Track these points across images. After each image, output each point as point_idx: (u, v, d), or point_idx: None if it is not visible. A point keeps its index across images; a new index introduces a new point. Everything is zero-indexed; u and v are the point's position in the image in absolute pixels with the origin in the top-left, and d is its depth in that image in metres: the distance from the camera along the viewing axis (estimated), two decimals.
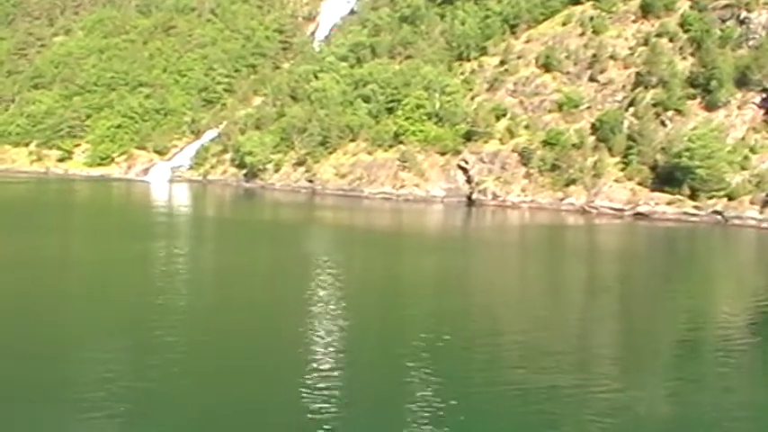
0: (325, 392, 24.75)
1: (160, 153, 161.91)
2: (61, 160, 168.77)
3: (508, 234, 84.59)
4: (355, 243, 70.76)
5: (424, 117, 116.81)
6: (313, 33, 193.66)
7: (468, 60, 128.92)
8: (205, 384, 26.20)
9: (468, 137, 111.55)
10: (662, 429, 23.16)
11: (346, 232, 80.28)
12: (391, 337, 33.07)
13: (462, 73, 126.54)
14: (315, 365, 28.06)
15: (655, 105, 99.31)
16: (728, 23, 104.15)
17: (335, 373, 27.25)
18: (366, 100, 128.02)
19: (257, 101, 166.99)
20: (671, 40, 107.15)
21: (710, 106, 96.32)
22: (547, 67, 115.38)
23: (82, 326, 34.24)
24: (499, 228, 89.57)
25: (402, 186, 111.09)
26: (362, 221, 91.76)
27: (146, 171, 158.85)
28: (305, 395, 24.40)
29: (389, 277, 50.50)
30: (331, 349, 30.57)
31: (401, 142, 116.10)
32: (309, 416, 22.82)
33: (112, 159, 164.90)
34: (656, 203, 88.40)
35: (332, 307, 38.80)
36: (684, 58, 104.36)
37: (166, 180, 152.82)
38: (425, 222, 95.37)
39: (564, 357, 30.35)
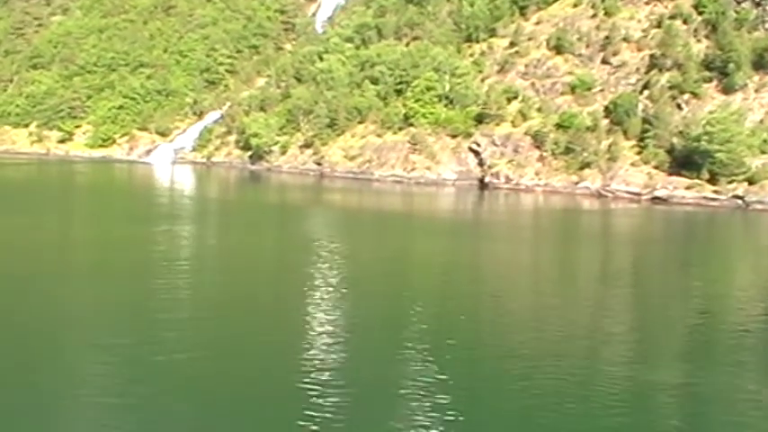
0: (329, 384, 24.12)
1: (162, 134, 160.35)
2: (62, 141, 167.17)
3: (524, 217, 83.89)
4: (368, 226, 69.99)
5: (435, 99, 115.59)
6: (315, 14, 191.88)
7: (477, 42, 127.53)
8: (203, 369, 25.62)
9: (480, 119, 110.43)
10: (675, 418, 22.66)
11: (359, 215, 79.48)
12: (399, 325, 31.85)
13: (471, 55, 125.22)
14: (317, 355, 27.33)
15: (670, 88, 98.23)
16: (744, 5, 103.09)
17: (340, 366, 26.38)
18: (374, 81, 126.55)
19: (260, 82, 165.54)
20: (685, 22, 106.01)
21: (727, 89, 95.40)
22: (558, 49, 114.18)
23: (81, 308, 33.45)
24: (514, 211, 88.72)
25: (413, 169, 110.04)
26: (374, 204, 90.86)
27: (148, 152, 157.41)
28: (306, 382, 23.97)
29: (402, 262, 49.28)
30: (338, 339, 29.59)
31: (411, 125, 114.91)
32: (311, 402, 22.38)
33: (114, 141, 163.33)
34: (675, 188, 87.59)
35: (342, 294, 37.71)
36: (699, 41, 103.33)
37: (169, 162, 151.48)
38: (439, 205, 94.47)
39: (576, 347, 29.39)
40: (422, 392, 23.29)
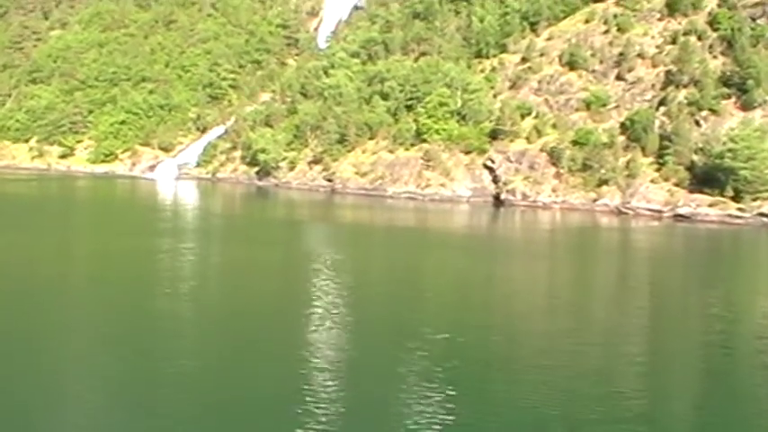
0: (333, 398, 24.64)
1: (165, 150, 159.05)
2: (63, 156, 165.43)
3: (544, 235, 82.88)
4: (387, 243, 69.22)
5: (447, 115, 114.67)
6: (317, 29, 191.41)
7: (488, 58, 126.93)
8: (204, 377, 26.52)
9: (494, 135, 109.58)
10: None
11: (375, 232, 78.63)
12: (413, 346, 31.23)
13: (482, 70, 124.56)
14: (324, 371, 27.64)
15: (688, 105, 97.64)
16: (759, 22, 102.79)
17: (346, 382, 26.74)
18: (384, 97, 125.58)
19: (264, 97, 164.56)
20: (699, 39, 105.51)
21: (746, 106, 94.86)
22: (571, 65, 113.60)
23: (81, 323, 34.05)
24: (535, 228, 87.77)
25: (427, 186, 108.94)
26: (390, 221, 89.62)
27: (151, 168, 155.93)
28: (309, 394, 24.61)
29: (419, 282, 48.45)
30: (346, 362, 29.38)
31: (424, 141, 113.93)
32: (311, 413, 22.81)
33: (116, 156, 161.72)
34: (698, 205, 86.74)
35: (353, 311, 37.35)
36: (715, 57, 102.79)
37: (173, 177, 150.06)
38: (457, 223, 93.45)
39: (591, 369, 29.04)
40: (427, 408, 23.57)
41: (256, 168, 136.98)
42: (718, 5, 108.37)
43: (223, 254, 58.13)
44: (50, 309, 36.49)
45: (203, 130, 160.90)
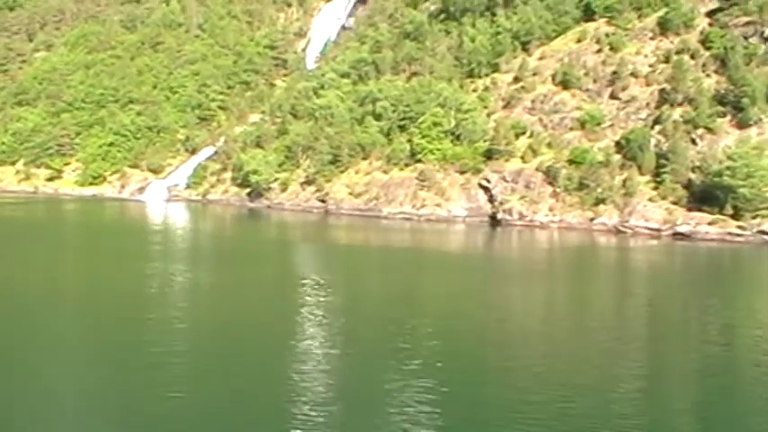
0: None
1: (154, 172, 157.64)
2: (50, 179, 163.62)
3: (545, 255, 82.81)
4: (383, 266, 68.63)
5: (441, 135, 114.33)
6: (304, 49, 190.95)
7: (480, 77, 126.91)
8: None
9: (489, 155, 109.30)
10: None
11: (374, 254, 78.49)
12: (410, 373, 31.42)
13: (475, 90, 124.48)
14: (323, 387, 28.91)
15: (684, 123, 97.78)
16: (752, 40, 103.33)
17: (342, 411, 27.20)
18: (377, 117, 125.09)
19: (253, 118, 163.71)
20: (692, 57, 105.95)
21: (742, 124, 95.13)
22: (565, 84, 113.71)
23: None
24: (534, 248, 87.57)
25: (423, 206, 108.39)
26: (386, 242, 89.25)
27: (141, 190, 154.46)
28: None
29: (422, 308, 48.06)
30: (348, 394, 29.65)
31: (418, 161, 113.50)
32: None
33: (104, 178, 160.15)
34: (697, 223, 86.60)
35: (354, 346, 36.84)
36: (708, 76, 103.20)
37: (163, 199, 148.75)
38: (456, 243, 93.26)
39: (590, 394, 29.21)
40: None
41: (248, 190, 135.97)
42: (710, 24, 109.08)
43: (219, 278, 57.25)
44: (38, 334, 36.59)
45: (192, 152, 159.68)
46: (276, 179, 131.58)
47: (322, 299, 47.72)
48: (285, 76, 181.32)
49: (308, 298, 47.93)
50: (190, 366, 31.50)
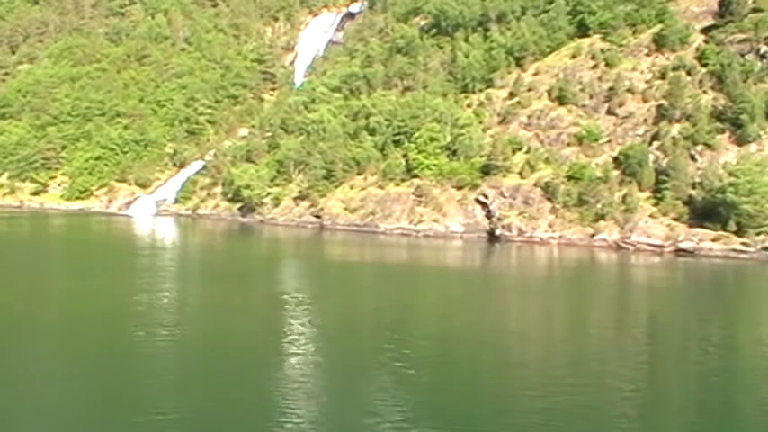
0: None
1: (142, 186, 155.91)
2: (36, 193, 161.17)
3: (548, 272, 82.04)
4: (384, 284, 67.59)
5: (437, 150, 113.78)
6: (292, 63, 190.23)
7: (474, 93, 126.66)
8: None
9: (486, 171, 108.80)
10: None
11: (373, 271, 77.10)
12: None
13: (469, 105, 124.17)
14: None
15: (684, 139, 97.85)
16: (748, 57, 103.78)
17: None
18: (371, 132, 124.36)
19: (242, 132, 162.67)
20: (689, 74, 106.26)
21: (741, 140, 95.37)
22: (561, 100, 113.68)
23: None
24: (536, 265, 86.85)
25: (420, 221, 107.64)
26: (385, 258, 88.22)
27: (128, 205, 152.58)
28: None
29: (424, 328, 47.28)
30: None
31: (414, 176, 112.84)
32: None
33: (91, 192, 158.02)
34: (700, 240, 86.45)
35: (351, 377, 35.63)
36: (705, 92, 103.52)
37: (151, 214, 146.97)
38: (457, 260, 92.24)
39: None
40: None
41: (239, 204, 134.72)
42: (705, 41, 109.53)
43: (215, 297, 55.71)
44: (16, 353, 36.42)
45: (181, 166, 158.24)
46: (268, 194, 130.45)
47: (322, 319, 46.91)
48: (273, 90, 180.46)
49: (309, 319, 47.12)
50: (175, 396, 30.88)
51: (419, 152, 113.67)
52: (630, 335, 46.27)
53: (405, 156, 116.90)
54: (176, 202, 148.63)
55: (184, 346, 39.44)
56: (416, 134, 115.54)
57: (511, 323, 49.53)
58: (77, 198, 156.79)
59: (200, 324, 45.27)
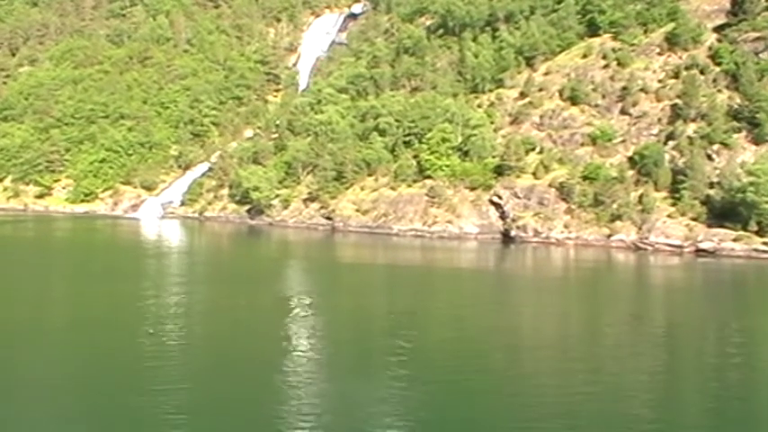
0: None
1: (148, 188, 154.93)
2: (40, 196, 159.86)
3: (572, 274, 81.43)
4: (412, 289, 66.21)
5: (450, 151, 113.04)
6: (295, 64, 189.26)
7: (484, 92, 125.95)
8: None
9: (499, 171, 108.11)
10: None
11: (396, 275, 76.05)
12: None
13: (479, 105, 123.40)
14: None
15: (701, 139, 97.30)
16: (762, 56, 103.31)
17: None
18: (381, 133, 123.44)
19: (248, 133, 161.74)
20: (702, 73, 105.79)
21: (758, 139, 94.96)
22: (573, 100, 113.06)
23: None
24: (557, 267, 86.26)
25: (434, 223, 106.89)
26: (404, 261, 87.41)
27: (134, 207, 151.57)
28: None
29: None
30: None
31: (427, 177, 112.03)
32: None
33: (96, 195, 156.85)
34: (721, 240, 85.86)
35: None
36: (720, 91, 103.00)
37: (157, 217, 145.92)
38: (477, 262, 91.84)
39: None
40: None
41: (247, 207, 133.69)
42: (718, 40, 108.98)
43: (236, 299, 55.03)
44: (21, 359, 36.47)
45: (186, 168, 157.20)
46: (277, 196, 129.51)
47: (340, 324, 46.34)
48: (277, 91, 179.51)
49: (325, 323, 46.64)
50: (183, 409, 30.25)
51: (431, 153, 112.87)
52: (659, 342, 45.53)
53: (416, 156, 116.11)
54: (183, 204, 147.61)
55: (192, 349, 39.50)
56: (429, 135, 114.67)
57: (545, 331, 48.60)
58: (82, 201, 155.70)
59: (214, 327, 45.56)
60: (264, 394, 31.66)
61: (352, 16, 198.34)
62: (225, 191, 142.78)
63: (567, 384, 33.56)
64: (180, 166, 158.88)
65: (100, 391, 31.23)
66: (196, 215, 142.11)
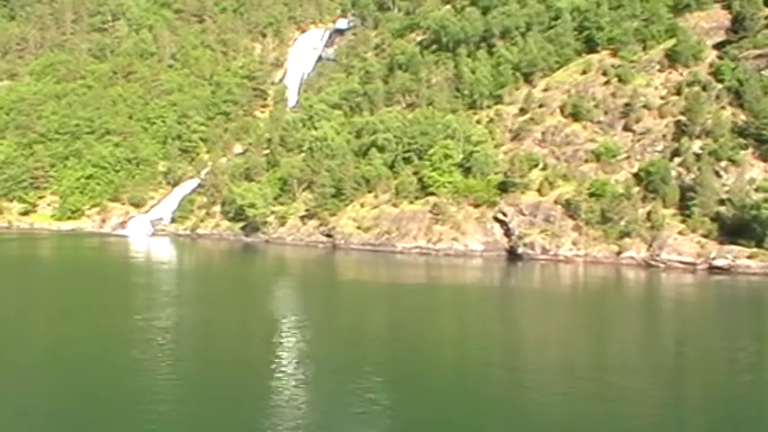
0: None
1: (136, 205, 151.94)
2: (25, 213, 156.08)
3: (584, 293, 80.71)
4: (430, 308, 65.85)
5: (452, 168, 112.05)
6: (282, 80, 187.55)
7: (482, 109, 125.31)
8: None
9: (503, 188, 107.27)
10: None
11: (415, 295, 74.93)
12: None
13: (479, 122, 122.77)
14: None
15: (708, 155, 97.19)
16: (764, 72, 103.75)
17: None
18: (380, 149, 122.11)
19: (237, 149, 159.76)
20: (704, 89, 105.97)
21: (765, 156, 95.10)
22: (575, 116, 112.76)
23: None
24: (568, 285, 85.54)
25: (439, 240, 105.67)
26: (417, 280, 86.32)
27: (123, 224, 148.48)
28: None
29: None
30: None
31: (429, 193, 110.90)
32: None
33: (83, 212, 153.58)
34: (735, 257, 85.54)
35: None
36: (723, 108, 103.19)
37: (147, 234, 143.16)
38: (488, 280, 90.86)
39: None
40: None
41: (241, 223, 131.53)
42: (719, 57, 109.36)
43: (242, 320, 53.82)
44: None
45: (175, 184, 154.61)
46: (273, 213, 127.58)
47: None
48: (264, 107, 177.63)
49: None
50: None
51: (434, 169, 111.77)
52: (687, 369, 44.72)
53: (416, 173, 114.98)
54: (173, 221, 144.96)
55: (181, 378, 39.51)
56: (431, 151, 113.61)
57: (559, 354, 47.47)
58: (69, 218, 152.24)
59: (213, 350, 45.99)
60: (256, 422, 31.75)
61: (339, 32, 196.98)
62: (217, 207, 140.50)
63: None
64: (169, 183, 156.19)
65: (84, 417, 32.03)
66: (188, 232, 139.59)
